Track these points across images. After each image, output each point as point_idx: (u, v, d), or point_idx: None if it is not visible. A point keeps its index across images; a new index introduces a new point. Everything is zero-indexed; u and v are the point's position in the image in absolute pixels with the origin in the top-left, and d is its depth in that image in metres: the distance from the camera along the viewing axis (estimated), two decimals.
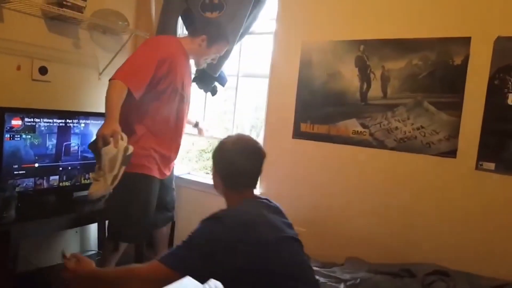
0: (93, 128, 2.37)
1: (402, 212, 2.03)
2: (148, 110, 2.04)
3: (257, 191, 2.48)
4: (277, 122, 2.43)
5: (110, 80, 1.85)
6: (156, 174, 2.10)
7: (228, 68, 2.63)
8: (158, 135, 2.08)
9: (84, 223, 2.51)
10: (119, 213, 2.03)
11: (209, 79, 2.57)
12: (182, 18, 2.78)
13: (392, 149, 2.05)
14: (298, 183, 2.34)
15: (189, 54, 2.19)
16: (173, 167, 2.33)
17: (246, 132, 3.26)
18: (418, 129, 1.99)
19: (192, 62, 2.30)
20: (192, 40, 2.18)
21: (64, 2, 2.22)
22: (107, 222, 2.31)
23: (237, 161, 1.28)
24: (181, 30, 2.88)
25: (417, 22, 1.99)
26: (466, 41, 1.86)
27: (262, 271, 1.10)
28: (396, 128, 2.04)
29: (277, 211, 1.34)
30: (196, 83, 2.62)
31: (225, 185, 1.32)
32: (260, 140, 2.43)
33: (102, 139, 1.72)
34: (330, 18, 2.23)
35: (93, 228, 2.75)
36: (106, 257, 2.10)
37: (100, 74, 2.61)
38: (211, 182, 1.43)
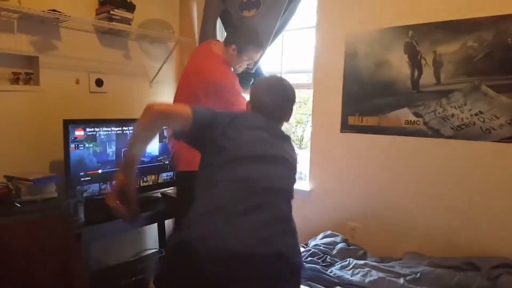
0: None
1: (463, 203, 1.94)
2: None
3: (307, 187, 2.48)
4: (324, 117, 2.40)
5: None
6: None
7: (270, 65, 2.64)
8: None
9: (146, 223, 2.65)
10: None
11: (246, 75, 2.60)
12: (221, 19, 2.82)
13: (449, 137, 1.96)
14: (349, 178, 2.31)
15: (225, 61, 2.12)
16: None
17: (292, 127, 3.27)
18: (476, 115, 1.88)
19: None
20: (225, 49, 2.13)
21: (113, 16, 2.34)
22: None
23: (260, 93, 1.49)
24: (220, 32, 2.93)
25: (469, 1, 1.88)
26: None
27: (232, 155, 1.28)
28: (452, 115, 1.94)
29: (286, 139, 1.47)
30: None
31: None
32: (307, 135, 2.42)
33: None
34: (374, 5, 2.16)
35: (154, 228, 2.89)
36: None
37: (151, 82, 2.73)
38: None
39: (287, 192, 1.34)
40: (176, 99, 2.18)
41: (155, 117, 1.28)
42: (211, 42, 2.30)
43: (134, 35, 2.56)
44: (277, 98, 1.47)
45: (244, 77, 2.61)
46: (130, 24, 2.43)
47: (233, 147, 1.29)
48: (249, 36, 2.15)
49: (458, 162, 1.95)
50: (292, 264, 1.17)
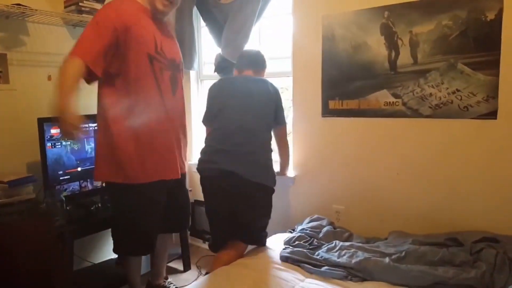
0: None
1: (444, 180, 1.97)
2: (120, 93, 1.78)
3: (291, 173, 2.49)
4: (304, 102, 2.40)
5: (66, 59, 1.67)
6: (147, 177, 1.83)
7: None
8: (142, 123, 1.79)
9: None
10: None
11: (229, 66, 2.56)
12: (197, 7, 2.76)
13: (427, 117, 1.98)
14: (332, 162, 2.32)
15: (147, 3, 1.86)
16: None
17: None
18: (453, 93, 1.90)
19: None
20: None
21: (83, 8, 2.26)
22: None
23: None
24: (197, 20, 2.87)
25: None
26: None
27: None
28: (430, 94, 1.96)
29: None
30: (218, 72, 2.61)
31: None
32: (289, 121, 2.41)
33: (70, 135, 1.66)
34: None
35: None
36: None
37: None
38: None
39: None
40: None
41: None
42: None
43: None
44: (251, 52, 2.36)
45: (227, 67, 2.57)
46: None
47: None
48: None
49: (438, 140, 1.97)
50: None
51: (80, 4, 2.24)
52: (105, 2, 1.83)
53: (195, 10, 2.78)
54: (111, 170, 1.80)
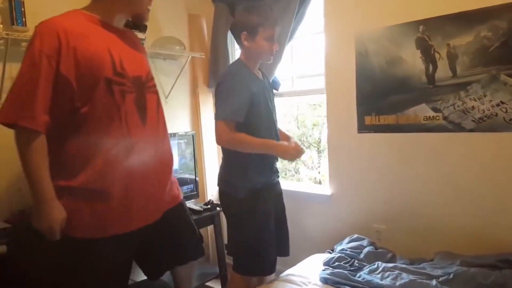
0: None
1: (491, 196, 1.87)
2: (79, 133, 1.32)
3: (327, 191, 2.45)
4: (339, 119, 2.38)
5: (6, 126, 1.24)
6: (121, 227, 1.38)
7: (282, 71, 2.65)
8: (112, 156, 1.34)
9: None
10: None
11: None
12: (231, 31, 2.84)
13: (471, 130, 1.90)
14: (370, 179, 2.27)
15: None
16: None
17: (309, 129, 3.26)
18: (498, 105, 1.82)
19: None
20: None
21: None
22: None
23: None
24: (232, 44, 2.96)
25: None
26: None
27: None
28: (473, 107, 1.89)
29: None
30: None
31: None
32: (323, 137, 2.39)
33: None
34: (382, 3, 2.13)
35: None
36: None
37: (166, 97, 2.78)
38: None
39: None
40: None
41: None
42: None
43: (148, 54, 2.61)
44: None
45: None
46: (143, 44, 2.48)
47: None
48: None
49: (483, 154, 1.88)
50: None
51: None
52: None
53: (229, 33, 2.87)
54: None
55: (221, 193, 1.91)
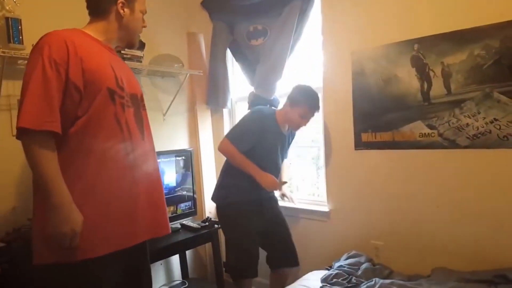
0: (164, 165, 2.52)
1: (488, 212, 1.88)
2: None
3: (325, 207, 2.46)
4: (337, 135, 2.40)
5: (20, 134, 1.20)
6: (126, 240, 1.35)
7: (280, 87, 2.69)
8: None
9: (167, 255, 2.64)
10: None
11: (263, 102, 2.64)
12: (230, 49, 2.90)
13: (466, 147, 1.93)
14: (367, 196, 2.27)
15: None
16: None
17: (308, 147, 3.27)
18: (491, 122, 1.85)
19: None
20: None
21: (124, 56, 2.43)
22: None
23: None
24: (231, 62, 3.01)
25: (473, 10, 1.88)
26: None
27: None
28: (467, 124, 1.92)
29: None
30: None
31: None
32: (321, 155, 2.41)
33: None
34: (377, 22, 2.18)
35: (176, 259, 2.89)
36: None
37: (164, 115, 2.80)
38: None
39: None
40: None
41: None
42: None
43: (145, 72, 2.65)
44: None
45: (260, 104, 2.64)
46: (141, 62, 2.52)
47: None
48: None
49: (478, 171, 1.90)
50: None
51: (122, 52, 2.39)
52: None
53: (228, 51, 2.92)
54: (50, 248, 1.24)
55: (214, 198, 2.33)
